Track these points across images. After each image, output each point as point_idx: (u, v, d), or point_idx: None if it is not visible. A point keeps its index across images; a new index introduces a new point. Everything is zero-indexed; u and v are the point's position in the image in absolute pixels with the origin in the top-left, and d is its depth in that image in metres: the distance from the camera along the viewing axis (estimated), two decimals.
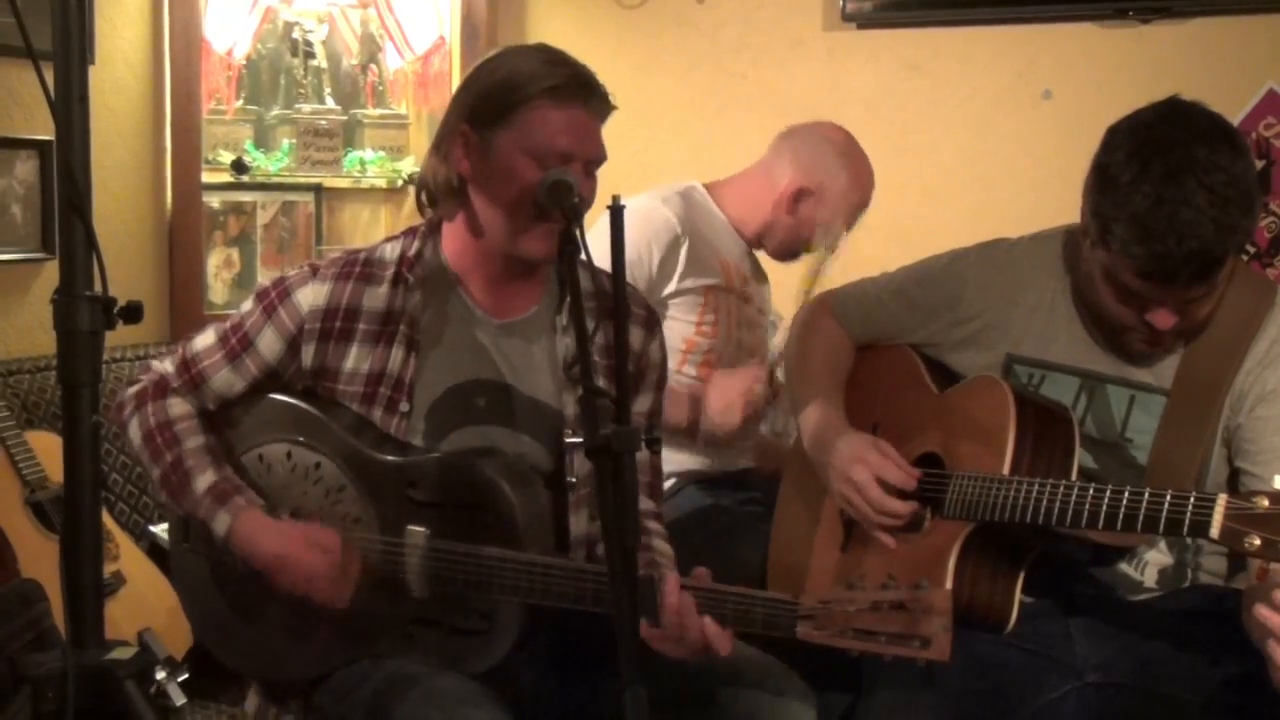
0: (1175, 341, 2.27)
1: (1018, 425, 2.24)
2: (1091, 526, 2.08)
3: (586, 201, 2.12)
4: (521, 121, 2.17)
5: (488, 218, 2.22)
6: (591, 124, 2.21)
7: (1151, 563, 2.33)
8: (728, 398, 3.09)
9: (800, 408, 2.63)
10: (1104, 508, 2.06)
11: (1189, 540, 2.31)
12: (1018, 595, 2.25)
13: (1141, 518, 2.02)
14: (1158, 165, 2.07)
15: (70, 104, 1.64)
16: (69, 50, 1.63)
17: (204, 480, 2.23)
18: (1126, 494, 2.04)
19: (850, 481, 2.41)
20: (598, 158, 2.22)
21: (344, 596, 2.19)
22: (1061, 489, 2.12)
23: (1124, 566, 2.33)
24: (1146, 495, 2.02)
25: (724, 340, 3.21)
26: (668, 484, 3.12)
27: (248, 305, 2.31)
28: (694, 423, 3.08)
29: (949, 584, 2.22)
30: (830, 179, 3.26)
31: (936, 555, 2.27)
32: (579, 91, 2.19)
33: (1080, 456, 2.25)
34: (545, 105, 2.16)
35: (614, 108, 2.24)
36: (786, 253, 3.37)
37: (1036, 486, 2.15)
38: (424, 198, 2.33)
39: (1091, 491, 2.08)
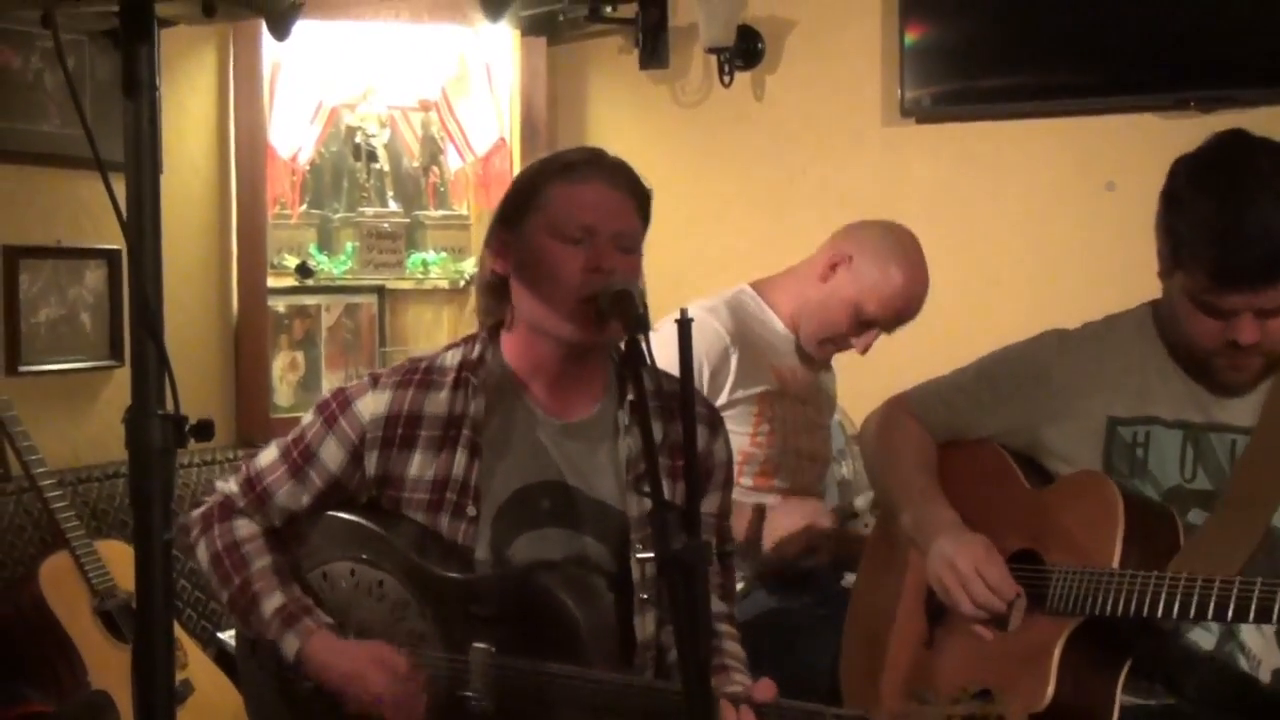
0: (1262, 371, 2.28)
1: (1127, 522, 2.22)
2: (1219, 619, 2.07)
3: (629, 280, 2.11)
4: (543, 205, 2.20)
5: (529, 308, 2.22)
6: (612, 196, 2.21)
7: (1265, 664, 2.29)
8: (787, 531, 3.02)
9: (901, 507, 2.56)
10: (1232, 599, 2.04)
11: None
12: (1119, 695, 2.20)
13: (1254, 608, 2.02)
14: (1221, 177, 2.19)
15: (142, 221, 1.64)
16: (140, 167, 1.63)
17: (272, 603, 2.23)
18: (1241, 584, 2.04)
19: (955, 570, 2.34)
20: (626, 231, 2.19)
21: (413, 719, 2.18)
22: (1184, 579, 2.10)
23: (1240, 661, 2.29)
24: (1259, 585, 2.01)
25: (780, 449, 3.15)
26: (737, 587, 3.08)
27: (308, 418, 2.32)
28: (753, 540, 2.99)
29: (1052, 682, 2.18)
30: (871, 254, 3.06)
31: (1036, 651, 2.23)
32: (594, 167, 2.22)
33: (1194, 516, 2.27)
34: (561, 183, 2.20)
35: (644, 187, 2.25)
36: (817, 339, 3.17)
37: (1155, 578, 2.13)
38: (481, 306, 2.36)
39: (1219, 583, 2.06)
